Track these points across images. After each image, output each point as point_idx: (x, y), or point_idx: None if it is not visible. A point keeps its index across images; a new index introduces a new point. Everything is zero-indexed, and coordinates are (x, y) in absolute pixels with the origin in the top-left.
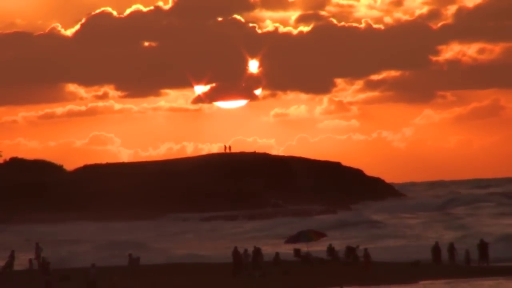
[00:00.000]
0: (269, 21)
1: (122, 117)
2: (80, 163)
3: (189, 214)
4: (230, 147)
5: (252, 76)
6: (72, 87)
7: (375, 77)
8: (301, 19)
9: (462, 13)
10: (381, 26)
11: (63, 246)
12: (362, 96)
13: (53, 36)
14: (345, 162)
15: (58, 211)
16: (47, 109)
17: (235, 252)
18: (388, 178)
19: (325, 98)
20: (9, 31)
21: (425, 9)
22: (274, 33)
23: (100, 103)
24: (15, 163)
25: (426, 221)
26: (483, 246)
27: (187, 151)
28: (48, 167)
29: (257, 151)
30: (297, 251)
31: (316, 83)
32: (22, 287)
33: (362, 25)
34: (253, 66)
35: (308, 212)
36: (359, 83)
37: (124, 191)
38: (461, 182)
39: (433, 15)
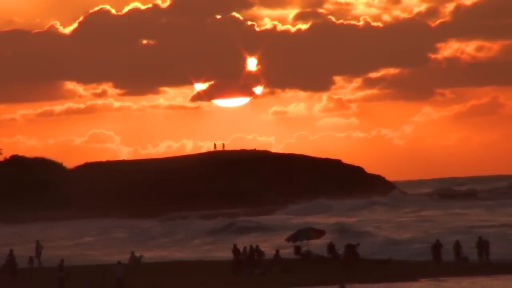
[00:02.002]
0: (267, 19)
1: (121, 115)
2: (79, 161)
3: (189, 212)
4: (223, 145)
5: (250, 74)
6: (70, 85)
7: (373, 74)
8: (299, 17)
9: (460, 10)
10: (380, 24)
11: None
12: (361, 93)
13: (52, 34)
14: (345, 160)
15: (60, 208)
16: (45, 107)
17: (235, 250)
18: (388, 176)
19: (324, 96)
20: (8, 29)
21: (423, 7)
22: (273, 31)
23: (99, 101)
24: (16, 161)
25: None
26: (482, 244)
27: (186, 149)
28: (49, 165)
29: (257, 148)
30: (297, 249)
31: (315, 81)
32: (23, 286)
33: (361, 23)
34: (252, 64)
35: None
36: (358, 81)
37: (124, 189)
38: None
39: (432, 13)
